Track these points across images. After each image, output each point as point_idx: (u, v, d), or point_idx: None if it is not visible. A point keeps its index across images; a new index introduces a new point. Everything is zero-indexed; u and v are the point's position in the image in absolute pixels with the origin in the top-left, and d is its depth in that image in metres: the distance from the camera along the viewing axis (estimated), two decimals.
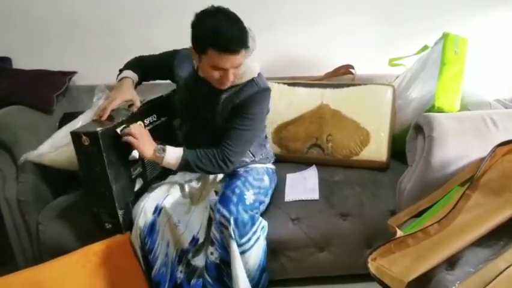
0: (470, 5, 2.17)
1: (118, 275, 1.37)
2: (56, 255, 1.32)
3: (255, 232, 1.37)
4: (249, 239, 1.35)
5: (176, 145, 1.42)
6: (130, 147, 1.37)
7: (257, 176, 1.54)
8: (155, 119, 1.52)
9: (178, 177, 1.55)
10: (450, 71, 1.69)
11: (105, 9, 2.11)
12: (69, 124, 1.63)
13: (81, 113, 1.89)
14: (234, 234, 1.31)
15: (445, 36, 1.78)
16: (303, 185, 1.70)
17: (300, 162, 1.86)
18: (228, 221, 1.32)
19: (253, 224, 1.37)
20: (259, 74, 1.44)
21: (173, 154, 1.37)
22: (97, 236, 1.40)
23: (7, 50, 2.14)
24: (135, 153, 1.42)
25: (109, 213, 1.39)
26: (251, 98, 1.40)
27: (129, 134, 1.32)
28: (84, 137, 1.28)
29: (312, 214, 1.57)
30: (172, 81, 1.57)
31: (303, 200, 1.61)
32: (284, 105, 1.89)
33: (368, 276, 1.18)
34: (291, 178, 1.75)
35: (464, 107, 1.71)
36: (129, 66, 1.56)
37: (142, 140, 1.34)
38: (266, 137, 1.68)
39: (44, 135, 1.74)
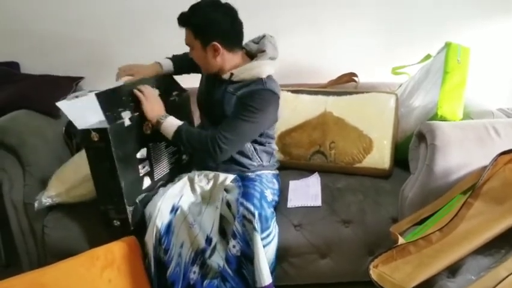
0: (473, 15, 2.19)
1: (122, 278, 1.37)
2: (61, 258, 1.33)
3: (273, 229, 1.44)
4: (268, 235, 1.41)
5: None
6: (139, 143, 1.42)
7: (269, 179, 1.61)
8: None
9: (188, 177, 1.58)
10: (453, 80, 1.69)
11: (112, 16, 2.14)
12: (73, 159, 1.67)
13: None
14: (258, 228, 1.36)
15: (448, 45, 1.79)
16: (306, 191, 1.70)
17: (303, 169, 1.87)
18: (253, 214, 1.36)
19: (272, 220, 1.43)
20: (270, 79, 1.50)
21: (172, 121, 1.46)
22: (102, 239, 1.41)
23: (15, 54, 2.17)
24: (143, 151, 1.45)
25: (117, 209, 1.41)
26: (255, 92, 1.46)
27: (140, 91, 1.45)
28: (93, 133, 1.30)
29: (314, 221, 1.58)
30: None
31: (306, 207, 1.62)
32: (288, 112, 1.90)
33: (369, 283, 1.19)
34: (294, 185, 1.76)
35: (466, 116, 1.71)
36: (170, 56, 1.71)
37: (149, 99, 1.46)
38: (275, 148, 1.72)
39: (50, 139, 1.77)
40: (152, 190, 1.52)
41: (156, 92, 1.54)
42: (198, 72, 1.70)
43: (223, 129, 1.43)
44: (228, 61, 1.48)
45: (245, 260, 1.39)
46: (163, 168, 1.59)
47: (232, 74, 1.48)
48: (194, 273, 1.41)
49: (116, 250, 1.38)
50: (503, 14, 2.19)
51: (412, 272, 1.13)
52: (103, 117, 1.37)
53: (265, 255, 1.38)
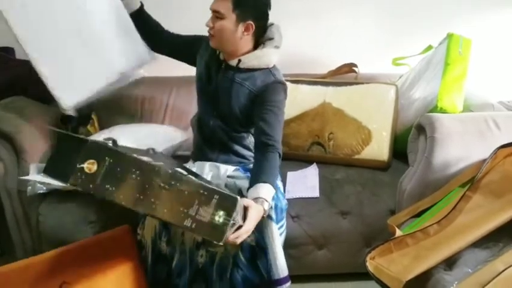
0: (475, 6, 2.17)
1: (116, 267, 1.37)
2: (56, 246, 1.33)
3: (285, 220, 1.42)
4: (281, 226, 1.39)
5: None
6: None
7: None
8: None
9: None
10: (454, 72, 1.68)
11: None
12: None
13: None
14: (274, 218, 1.33)
15: (449, 36, 1.78)
16: (304, 182, 1.70)
17: (301, 160, 1.86)
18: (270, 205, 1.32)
19: (285, 211, 1.42)
20: (276, 68, 1.48)
21: (267, 193, 1.27)
22: (97, 227, 1.41)
23: (11, 40, 2.12)
24: None
25: None
26: (268, 87, 1.43)
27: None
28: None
29: (312, 212, 1.58)
30: (191, 64, 1.60)
31: (304, 198, 1.61)
32: (287, 102, 1.87)
33: (366, 275, 1.19)
34: (292, 176, 1.75)
35: (467, 109, 1.71)
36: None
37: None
38: None
39: (46, 126, 1.75)
40: None
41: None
42: (173, 57, 1.63)
43: (270, 135, 1.36)
44: (246, 45, 1.44)
45: (259, 250, 1.35)
46: None
47: (239, 61, 1.44)
48: (201, 257, 1.37)
49: (111, 239, 1.38)
50: (506, 5, 2.17)
51: (409, 265, 1.13)
52: None
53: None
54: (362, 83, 1.89)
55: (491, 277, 1.02)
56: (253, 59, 1.43)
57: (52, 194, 1.59)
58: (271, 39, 1.46)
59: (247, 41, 1.43)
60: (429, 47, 1.96)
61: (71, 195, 1.59)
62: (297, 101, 1.90)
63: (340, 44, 2.22)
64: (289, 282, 1.37)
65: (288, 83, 1.90)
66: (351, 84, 1.90)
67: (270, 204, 1.26)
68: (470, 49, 1.73)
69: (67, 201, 1.59)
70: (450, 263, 1.14)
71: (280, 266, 1.33)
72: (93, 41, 1.49)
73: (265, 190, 1.26)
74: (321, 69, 2.15)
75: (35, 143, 1.65)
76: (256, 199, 1.22)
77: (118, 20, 1.54)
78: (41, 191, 1.54)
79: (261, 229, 1.33)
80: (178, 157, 1.71)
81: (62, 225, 1.56)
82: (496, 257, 1.08)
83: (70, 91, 1.46)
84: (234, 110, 1.46)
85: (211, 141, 1.53)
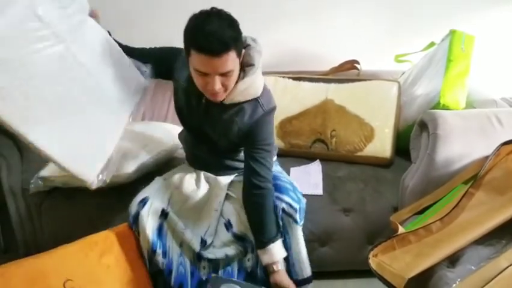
0: (477, 2, 2.16)
1: (120, 265, 1.37)
2: (59, 244, 1.33)
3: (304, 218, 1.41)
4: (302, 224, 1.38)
5: None
6: None
7: (277, 168, 1.54)
8: None
9: (178, 178, 1.46)
10: (456, 68, 1.68)
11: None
12: None
13: None
14: (299, 221, 1.33)
15: (452, 33, 1.77)
16: (307, 179, 1.70)
17: (304, 157, 1.86)
18: (294, 208, 1.32)
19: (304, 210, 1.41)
20: (264, 93, 1.31)
21: (281, 252, 1.31)
22: (100, 225, 1.41)
23: None
24: None
25: None
26: (258, 124, 1.29)
27: None
28: None
29: (314, 209, 1.57)
30: (169, 79, 1.43)
31: (306, 195, 1.60)
32: (289, 99, 1.89)
33: (369, 272, 1.18)
34: (295, 172, 1.75)
35: (469, 105, 1.70)
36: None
37: None
38: None
39: None
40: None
41: None
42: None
43: (261, 176, 1.29)
44: None
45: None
46: None
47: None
48: (204, 268, 1.35)
49: (113, 236, 1.38)
50: (509, 2, 2.15)
51: (412, 262, 1.12)
52: None
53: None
54: (364, 80, 1.89)
55: (495, 274, 1.02)
56: (237, 95, 1.26)
57: (55, 191, 1.60)
58: (251, 65, 1.27)
59: None
60: (432, 44, 1.96)
61: (73, 193, 1.60)
62: (299, 98, 1.90)
63: (342, 41, 2.22)
64: (311, 282, 1.37)
65: (289, 80, 1.94)
66: (353, 81, 1.89)
67: (283, 260, 1.30)
68: (473, 45, 1.73)
69: (69, 199, 1.60)
70: (453, 260, 1.13)
71: (304, 266, 1.34)
72: (96, 98, 1.28)
73: (275, 251, 1.28)
74: (323, 66, 2.15)
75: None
76: (272, 264, 1.28)
77: (111, 57, 1.36)
78: (44, 189, 1.55)
79: (284, 233, 1.33)
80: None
81: (64, 222, 1.57)
82: (499, 254, 1.08)
83: (90, 164, 1.27)
84: (223, 143, 1.37)
85: (203, 163, 1.47)
